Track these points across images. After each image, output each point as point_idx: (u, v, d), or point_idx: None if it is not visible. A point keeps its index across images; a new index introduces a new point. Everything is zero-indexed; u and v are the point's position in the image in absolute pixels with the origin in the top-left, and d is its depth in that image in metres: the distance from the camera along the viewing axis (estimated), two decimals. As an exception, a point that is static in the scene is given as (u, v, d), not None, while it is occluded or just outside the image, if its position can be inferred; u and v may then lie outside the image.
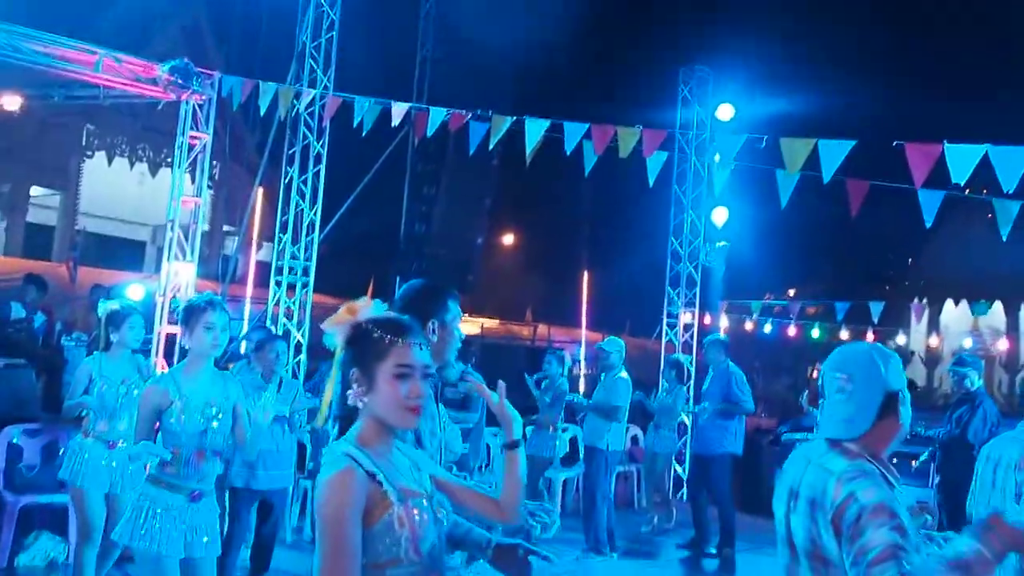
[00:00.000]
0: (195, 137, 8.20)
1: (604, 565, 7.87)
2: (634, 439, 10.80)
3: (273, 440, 5.92)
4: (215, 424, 4.05)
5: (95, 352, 5.47)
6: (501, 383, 2.59)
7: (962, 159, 7.78)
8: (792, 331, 22.30)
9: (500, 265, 28.80)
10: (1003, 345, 29.50)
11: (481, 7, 17.83)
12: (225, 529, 5.42)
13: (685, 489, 11.27)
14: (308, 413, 7.02)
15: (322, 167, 10.07)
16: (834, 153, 8.36)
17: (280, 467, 6.19)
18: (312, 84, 9.96)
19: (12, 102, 10.26)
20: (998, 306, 22.68)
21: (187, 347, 4.18)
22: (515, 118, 9.53)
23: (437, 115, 9.85)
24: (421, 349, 2.19)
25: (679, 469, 11.42)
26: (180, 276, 8.04)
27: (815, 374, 16.87)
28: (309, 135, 10.00)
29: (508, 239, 30.90)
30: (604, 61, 32.46)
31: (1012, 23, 28.07)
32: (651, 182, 9.81)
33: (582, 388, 13.71)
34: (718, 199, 12.23)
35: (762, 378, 22.69)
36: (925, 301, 25.43)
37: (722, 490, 8.54)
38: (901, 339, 26.66)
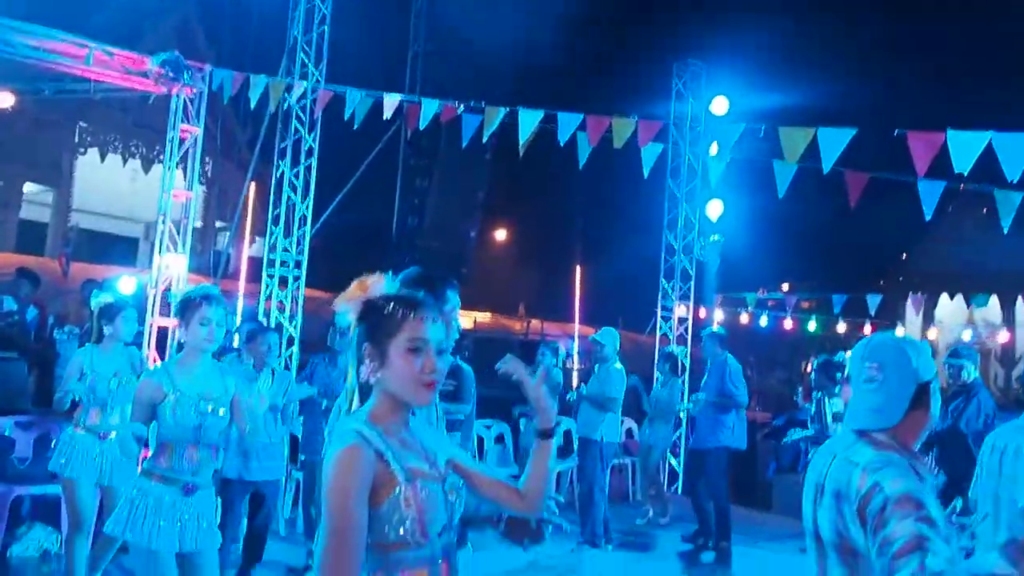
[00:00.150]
0: (186, 130, 8.18)
1: (599, 557, 7.84)
2: (629, 432, 10.78)
3: (266, 432, 5.91)
4: (210, 418, 4.01)
5: (87, 344, 5.47)
6: (541, 367, 2.53)
7: (965, 147, 7.65)
8: (788, 324, 22.22)
9: (493, 258, 28.80)
10: (999, 338, 29.52)
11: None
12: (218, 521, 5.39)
13: (680, 482, 11.27)
14: (300, 404, 7.02)
15: (314, 160, 10.04)
16: (834, 142, 8.24)
17: (273, 459, 6.22)
18: (304, 78, 9.93)
19: (5, 99, 10.23)
20: (994, 300, 22.69)
21: (182, 340, 4.14)
22: (508, 109, 9.49)
23: (429, 107, 9.80)
24: (435, 323, 2.13)
25: (674, 462, 11.42)
26: (172, 268, 8.01)
27: (809, 368, 16.87)
28: (300, 128, 9.98)
29: (501, 232, 30.89)
30: (597, 58, 32.50)
31: (1015, 5, 27.89)
32: (646, 173, 9.80)
33: (575, 382, 13.68)
34: (714, 191, 12.19)
35: (757, 372, 22.69)
36: (921, 294, 25.41)
37: (717, 483, 8.46)
38: (899, 332, 26.66)
